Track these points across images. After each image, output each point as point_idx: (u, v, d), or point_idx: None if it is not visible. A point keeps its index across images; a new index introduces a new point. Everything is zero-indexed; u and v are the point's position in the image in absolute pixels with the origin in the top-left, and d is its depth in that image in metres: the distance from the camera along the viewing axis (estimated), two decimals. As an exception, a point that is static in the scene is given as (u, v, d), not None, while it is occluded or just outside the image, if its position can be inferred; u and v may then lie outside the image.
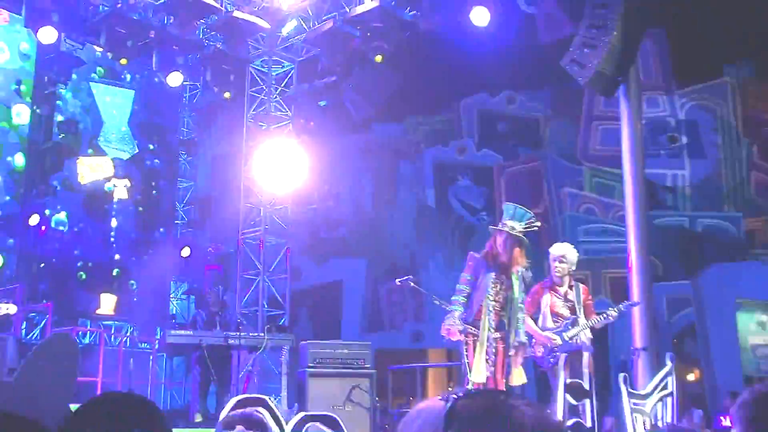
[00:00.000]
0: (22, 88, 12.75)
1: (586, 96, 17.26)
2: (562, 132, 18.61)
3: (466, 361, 6.29)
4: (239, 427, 2.69)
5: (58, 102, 13.12)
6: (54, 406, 0.81)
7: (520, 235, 6.41)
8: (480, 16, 10.34)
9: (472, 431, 0.82)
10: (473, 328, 6.30)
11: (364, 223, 17.19)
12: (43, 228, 12.55)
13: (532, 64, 15.57)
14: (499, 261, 6.42)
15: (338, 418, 4.62)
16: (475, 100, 19.07)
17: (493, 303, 6.35)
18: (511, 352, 6.39)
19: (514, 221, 6.47)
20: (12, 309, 6.51)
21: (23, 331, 10.84)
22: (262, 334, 10.69)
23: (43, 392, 0.84)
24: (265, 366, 10.53)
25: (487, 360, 6.31)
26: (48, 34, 10.75)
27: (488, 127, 18.95)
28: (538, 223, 6.76)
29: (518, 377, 6.47)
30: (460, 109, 19.01)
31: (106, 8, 11.38)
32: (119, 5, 11.39)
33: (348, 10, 11.47)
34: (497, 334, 6.38)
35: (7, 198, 12.34)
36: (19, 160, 12.63)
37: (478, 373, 6.21)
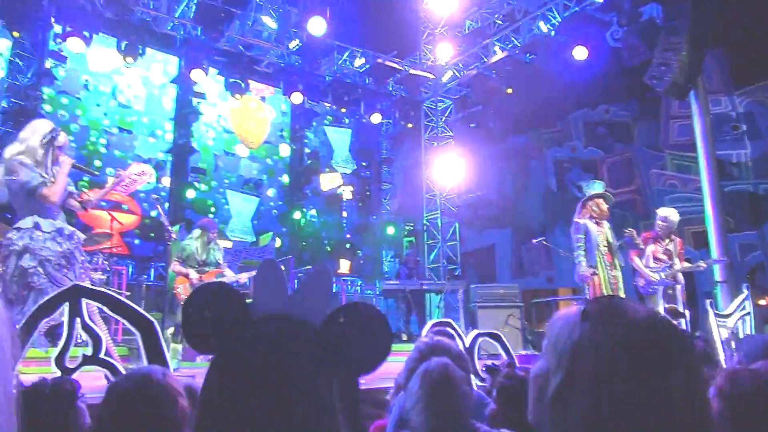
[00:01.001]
0: (283, 133, 13.50)
1: (663, 101, 15.91)
2: (646, 130, 17.27)
3: (592, 293, 5.99)
4: (430, 335, 2.67)
5: (305, 140, 13.76)
6: (317, 311, 0.82)
7: (604, 192, 6.20)
8: (580, 53, 9.91)
9: (599, 321, 0.80)
10: (596, 269, 6.00)
11: (508, 203, 16.91)
12: (303, 220, 13.23)
13: (620, 83, 14.55)
14: (595, 218, 6.10)
15: (501, 334, 4.50)
16: (580, 114, 18.09)
17: (603, 248, 6.03)
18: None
19: (595, 189, 6.25)
20: (282, 267, 6.89)
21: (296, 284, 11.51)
22: (444, 282, 10.73)
23: (309, 302, 0.85)
24: (448, 303, 10.55)
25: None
26: (297, 98, 11.34)
27: (591, 131, 17.92)
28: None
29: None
30: (569, 120, 18.09)
31: (330, 78, 11.88)
32: (338, 75, 11.84)
33: (486, 60, 11.33)
34: (615, 273, 6.02)
35: (280, 203, 13.14)
36: (285, 179, 13.40)
37: None
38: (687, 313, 6.39)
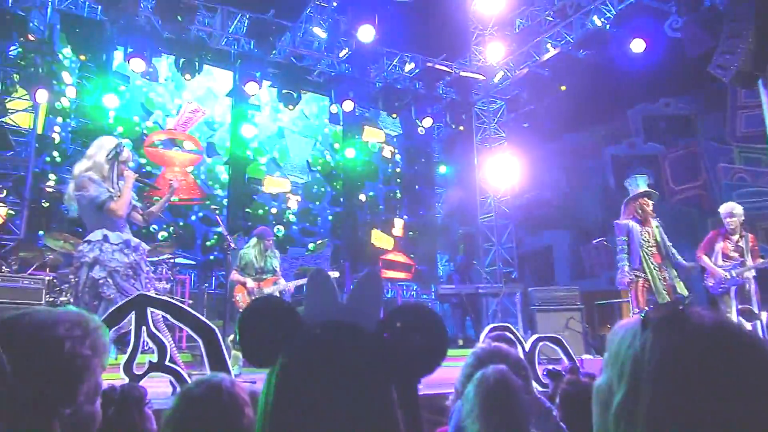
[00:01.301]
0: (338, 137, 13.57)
1: (729, 91, 15.10)
2: (711, 123, 16.46)
3: (635, 297, 5.76)
4: (488, 340, 2.62)
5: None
6: (369, 316, 0.82)
7: (648, 189, 5.93)
8: (637, 46, 9.56)
9: (661, 330, 0.76)
10: (640, 272, 5.76)
11: (564, 203, 16.43)
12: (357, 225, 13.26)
13: (681, 75, 13.91)
14: (641, 217, 5.84)
15: (562, 338, 4.39)
16: (638, 108, 17.42)
17: (649, 249, 5.76)
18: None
19: (638, 187, 5.98)
20: (336, 273, 6.94)
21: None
22: (500, 285, 10.57)
23: (361, 307, 0.85)
24: (504, 306, 10.38)
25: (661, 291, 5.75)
26: (348, 105, 11.46)
27: (651, 126, 17.23)
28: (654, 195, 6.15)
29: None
30: (627, 116, 17.46)
31: (380, 84, 11.97)
32: (388, 81, 11.91)
33: (538, 58, 11.16)
34: (665, 274, 5.75)
35: (338, 210, 13.23)
36: (338, 185, 13.48)
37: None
38: (764, 315, 6.03)
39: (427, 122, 12.60)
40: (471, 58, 12.23)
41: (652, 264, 5.74)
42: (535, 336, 4.27)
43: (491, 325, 4.03)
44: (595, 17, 10.17)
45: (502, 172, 12.02)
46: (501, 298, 10.09)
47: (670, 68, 13.10)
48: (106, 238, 3.98)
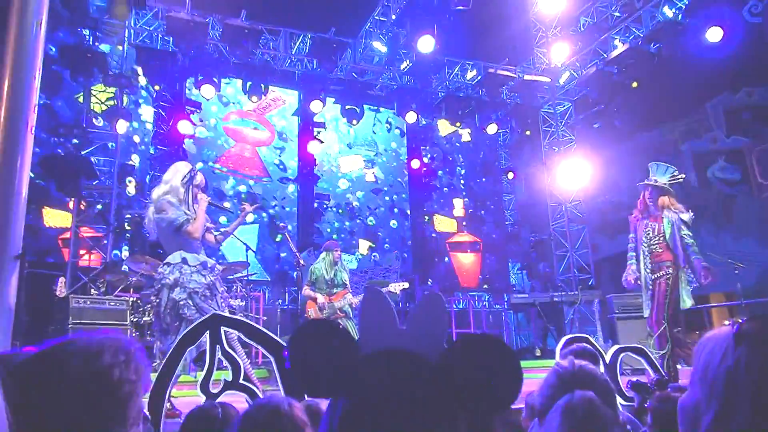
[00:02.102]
0: (402, 150, 13.59)
1: (821, 74, 14.01)
2: (803, 109, 15.31)
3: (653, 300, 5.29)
4: (570, 357, 2.48)
5: (425, 155, 13.65)
6: (432, 343, 0.76)
7: (664, 185, 5.23)
8: (714, 34, 9.05)
9: (760, 344, 0.69)
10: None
11: (641, 205, 15.75)
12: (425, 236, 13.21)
13: (764, 62, 13.04)
14: (649, 211, 5.31)
15: (645, 348, 4.14)
16: (718, 100, 16.45)
17: (648, 247, 5.23)
18: (701, 281, 5.04)
19: (657, 175, 5.32)
20: (406, 285, 6.89)
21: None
22: (576, 293, 10.21)
23: (423, 333, 0.79)
24: (582, 315, 10.00)
25: (651, 297, 5.25)
26: (411, 117, 11.48)
27: (733, 118, 16.20)
28: (682, 176, 5.54)
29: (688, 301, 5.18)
30: (707, 109, 16.52)
31: (442, 94, 11.96)
32: (450, 89, 11.88)
33: (605, 55, 10.80)
34: (656, 274, 5.16)
35: (406, 223, 13.23)
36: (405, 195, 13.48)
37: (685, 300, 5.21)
38: None
39: (492, 129, 12.43)
40: (534, 61, 11.99)
41: (647, 265, 5.21)
42: (616, 347, 4.04)
43: (567, 337, 3.85)
44: (665, 8, 9.81)
45: (573, 175, 11.66)
46: (578, 306, 9.72)
47: (751, 56, 12.29)
48: (184, 261, 4.12)
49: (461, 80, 11.89)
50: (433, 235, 13.06)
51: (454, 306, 11.14)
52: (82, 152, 8.47)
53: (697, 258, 5.07)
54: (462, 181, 14.00)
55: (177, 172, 4.35)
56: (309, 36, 10.56)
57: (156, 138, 10.44)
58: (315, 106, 10.90)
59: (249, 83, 10.62)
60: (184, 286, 4.04)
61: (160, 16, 9.78)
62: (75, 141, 8.35)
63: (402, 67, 11.30)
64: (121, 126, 8.54)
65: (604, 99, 11.18)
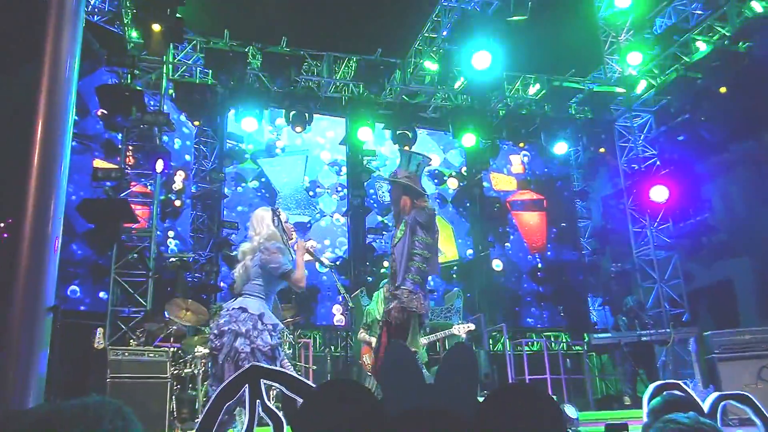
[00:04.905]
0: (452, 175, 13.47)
1: None
2: None
3: None
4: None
5: (484, 183, 13.50)
6: (464, 398, 0.71)
7: (404, 181, 4.69)
8: (814, 27, 8.64)
9: None
10: None
11: (741, 226, 14.92)
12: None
13: None
14: (394, 213, 4.85)
15: (751, 396, 3.85)
16: (827, 101, 15.58)
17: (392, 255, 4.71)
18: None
19: (402, 169, 4.78)
20: (472, 326, 6.71)
21: (490, 344, 11.24)
22: (668, 330, 9.73)
23: (452, 388, 0.74)
24: (678, 356, 9.49)
25: None
26: (469, 140, 11.42)
27: None
28: (430, 160, 4.98)
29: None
30: (813, 111, 15.69)
31: (502, 112, 11.90)
32: (511, 107, 11.83)
33: (687, 59, 10.52)
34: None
35: (469, 252, 13.07)
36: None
37: None
38: None
39: (561, 148, 12.21)
40: (606, 71, 11.78)
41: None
42: (715, 394, 3.77)
43: (656, 384, 3.61)
44: (754, 3, 9.53)
45: (658, 195, 11.25)
46: (671, 346, 9.23)
47: None
48: (261, 317, 4.14)
49: (523, 96, 11.80)
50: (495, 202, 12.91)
51: (527, 348, 10.78)
52: (120, 195, 8.84)
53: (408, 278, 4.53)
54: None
55: (262, 219, 4.38)
56: (354, 59, 10.77)
57: (197, 176, 10.78)
58: (363, 133, 11.02)
59: (293, 113, 10.85)
60: (251, 338, 4.06)
61: (198, 48, 10.23)
62: (111, 184, 8.73)
63: (456, 86, 11.32)
64: (160, 165, 8.89)
65: (688, 108, 10.90)
